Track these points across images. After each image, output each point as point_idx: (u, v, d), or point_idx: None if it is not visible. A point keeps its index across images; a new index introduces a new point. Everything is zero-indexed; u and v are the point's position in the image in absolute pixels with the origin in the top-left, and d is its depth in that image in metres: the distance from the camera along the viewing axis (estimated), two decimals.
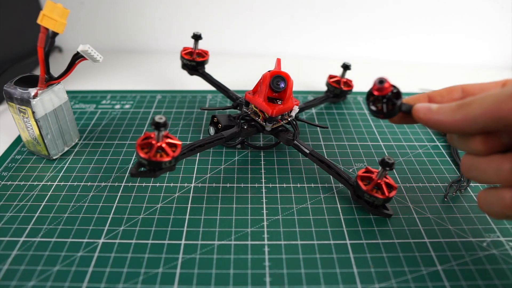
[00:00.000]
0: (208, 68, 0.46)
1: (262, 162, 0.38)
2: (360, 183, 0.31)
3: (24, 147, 0.39)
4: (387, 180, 0.31)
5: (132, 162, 0.37)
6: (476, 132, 0.23)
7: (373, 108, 0.27)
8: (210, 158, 0.38)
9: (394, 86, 0.26)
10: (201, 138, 0.40)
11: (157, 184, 0.35)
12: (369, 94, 0.27)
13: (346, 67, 0.45)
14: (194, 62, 0.44)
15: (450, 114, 0.24)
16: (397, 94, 0.26)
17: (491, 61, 0.63)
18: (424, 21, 0.60)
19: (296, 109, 0.36)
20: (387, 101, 0.26)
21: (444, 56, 0.63)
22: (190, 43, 0.45)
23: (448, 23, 0.60)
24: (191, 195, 0.34)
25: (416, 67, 0.62)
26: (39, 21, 0.29)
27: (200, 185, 0.35)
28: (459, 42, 0.62)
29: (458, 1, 0.58)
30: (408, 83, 0.55)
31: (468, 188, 0.35)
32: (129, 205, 0.32)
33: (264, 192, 0.34)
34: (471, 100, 0.23)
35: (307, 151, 0.35)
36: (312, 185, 0.35)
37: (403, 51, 0.63)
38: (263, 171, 0.37)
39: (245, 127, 0.37)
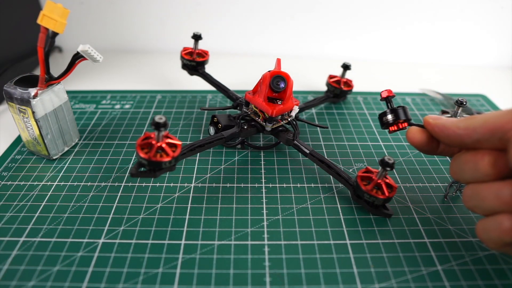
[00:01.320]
0: (208, 68, 0.46)
1: (262, 162, 0.38)
2: (360, 183, 0.31)
3: (24, 147, 0.39)
4: (387, 180, 0.31)
5: (132, 162, 0.37)
6: (473, 143, 0.25)
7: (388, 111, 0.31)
8: (210, 158, 0.38)
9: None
10: (201, 138, 0.40)
11: (157, 184, 0.35)
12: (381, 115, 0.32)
13: (346, 67, 0.45)
14: (194, 62, 0.44)
15: (455, 122, 0.26)
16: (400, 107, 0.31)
17: (491, 61, 0.63)
18: (424, 21, 0.60)
19: (296, 109, 0.36)
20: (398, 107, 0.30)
21: (444, 56, 0.63)
22: (190, 43, 0.45)
23: (448, 23, 0.60)
24: (191, 195, 0.34)
25: (416, 67, 0.62)
26: (39, 21, 0.29)
27: (200, 185, 0.35)
28: (459, 42, 0.62)
29: (458, 1, 0.58)
30: (408, 83, 0.55)
31: None
32: (129, 205, 0.32)
33: (264, 192, 0.34)
34: (476, 115, 0.25)
35: (307, 151, 0.35)
36: (312, 185, 0.35)
37: (403, 51, 0.63)
38: (263, 171, 0.37)
39: (245, 127, 0.37)
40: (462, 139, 0.25)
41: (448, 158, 0.39)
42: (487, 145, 0.24)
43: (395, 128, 0.30)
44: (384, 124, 0.31)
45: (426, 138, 0.28)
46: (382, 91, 0.31)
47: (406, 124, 0.30)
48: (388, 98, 0.31)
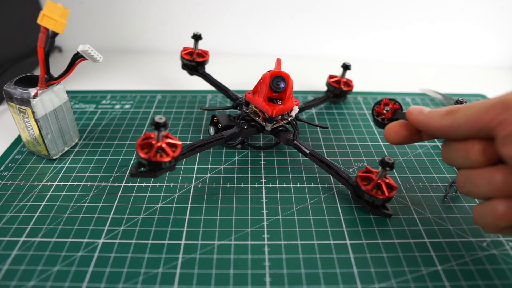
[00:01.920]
0: (208, 68, 0.46)
1: (262, 162, 0.38)
2: (360, 183, 0.31)
3: (24, 147, 0.39)
4: (387, 180, 0.31)
5: (132, 162, 0.37)
6: (459, 138, 0.25)
7: (378, 119, 0.31)
8: (210, 158, 0.38)
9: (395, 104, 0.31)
10: (201, 138, 0.40)
11: (157, 184, 0.35)
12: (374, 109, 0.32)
13: (346, 67, 0.45)
14: (194, 62, 0.44)
15: (438, 119, 0.25)
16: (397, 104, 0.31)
17: (491, 61, 0.63)
18: (424, 21, 0.60)
19: (296, 109, 0.36)
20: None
21: (444, 56, 0.63)
22: (190, 43, 0.45)
23: (448, 23, 0.60)
24: (191, 195, 0.34)
25: (416, 67, 0.62)
26: (39, 21, 0.29)
27: (200, 185, 0.35)
28: (459, 42, 0.62)
29: (458, 1, 0.58)
30: (408, 83, 0.55)
31: None
32: (129, 205, 0.32)
33: (264, 192, 0.34)
34: (458, 108, 0.25)
35: (307, 151, 0.35)
36: (312, 185, 0.35)
37: (403, 51, 0.63)
38: (263, 171, 0.37)
39: (245, 127, 0.37)
40: (448, 135, 0.25)
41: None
42: (474, 137, 0.24)
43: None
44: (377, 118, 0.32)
45: (405, 137, 0.28)
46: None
47: (397, 106, 0.31)
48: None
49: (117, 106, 0.47)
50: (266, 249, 0.29)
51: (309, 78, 0.56)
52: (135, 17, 0.60)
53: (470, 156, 0.24)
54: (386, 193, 0.30)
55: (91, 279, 0.26)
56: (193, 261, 0.28)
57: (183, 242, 0.29)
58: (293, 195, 0.34)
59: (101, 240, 0.29)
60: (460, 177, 0.26)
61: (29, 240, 0.29)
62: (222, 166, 0.37)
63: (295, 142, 0.36)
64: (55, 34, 0.30)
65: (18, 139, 0.40)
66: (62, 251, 0.28)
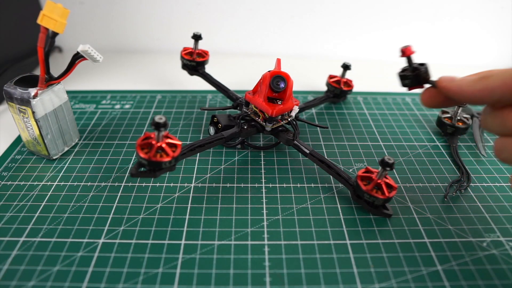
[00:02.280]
0: (208, 68, 0.46)
1: (262, 162, 0.38)
2: (360, 183, 0.31)
3: (24, 147, 0.39)
4: (387, 180, 0.31)
5: (132, 162, 0.37)
6: (493, 102, 0.25)
7: (401, 73, 0.33)
8: (210, 158, 0.38)
9: (419, 63, 0.31)
10: (201, 138, 0.40)
11: (157, 184, 0.35)
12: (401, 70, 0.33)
13: (346, 67, 0.45)
14: (194, 62, 0.44)
15: (471, 84, 0.25)
16: (421, 64, 0.31)
17: (491, 61, 0.63)
18: (424, 21, 0.60)
19: (296, 109, 0.36)
20: (412, 69, 0.32)
21: (444, 56, 0.63)
22: (190, 43, 0.45)
23: (448, 23, 0.60)
24: (191, 195, 0.34)
25: None
26: (39, 21, 0.29)
27: (200, 185, 0.35)
28: (459, 42, 0.62)
29: (458, 1, 0.58)
30: None
31: (468, 188, 0.35)
32: (129, 205, 0.32)
33: (264, 192, 0.34)
34: (492, 73, 0.24)
35: (307, 151, 0.35)
36: (312, 185, 0.35)
37: None
38: (263, 171, 0.37)
39: (245, 127, 0.37)
40: (482, 100, 0.25)
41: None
42: (509, 102, 0.24)
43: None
44: (403, 85, 0.33)
45: (442, 101, 0.28)
46: (403, 47, 0.32)
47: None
48: (409, 57, 0.32)
49: (117, 106, 0.47)
50: (266, 249, 0.29)
51: (309, 78, 0.56)
52: (135, 17, 0.60)
53: (506, 124, 0.24)
54: (386, 193, 0.30)
55: (91, 279, 0.26)
56: (193, 261, 0.28)
57: (183, 242, 0.29)
58: (293, 195, 0.34)
59: (101, 240, 0.29)
60: (497, 145, 0.26)
61: (29, 240, 0.29)
62: (222, 166, 0.37)
63: (295, 142, 0.36)
64: (55, 34, 0.30)
65: (18, 139, 0.40)
66: (62, 251, 0.28)
